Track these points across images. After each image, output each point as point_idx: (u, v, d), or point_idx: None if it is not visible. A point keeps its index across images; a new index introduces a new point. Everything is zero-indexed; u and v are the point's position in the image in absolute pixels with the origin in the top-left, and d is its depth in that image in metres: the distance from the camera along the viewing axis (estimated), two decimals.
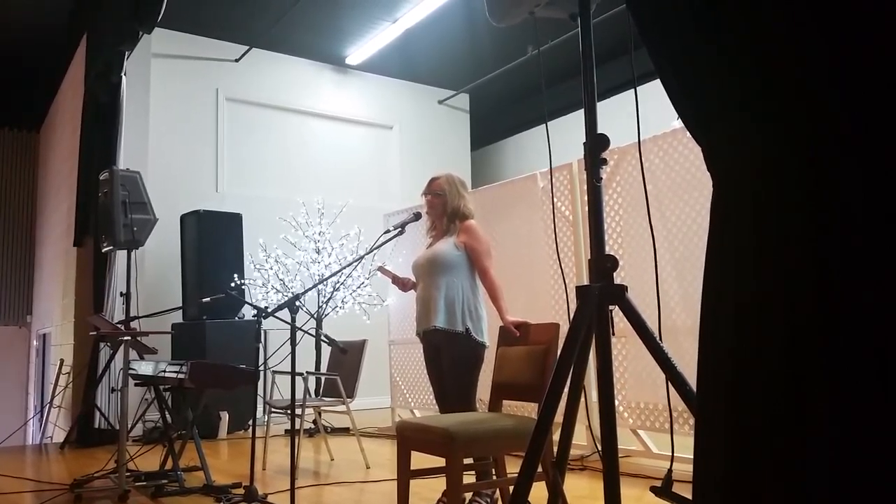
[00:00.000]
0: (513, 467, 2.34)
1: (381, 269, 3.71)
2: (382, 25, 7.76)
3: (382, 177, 9.19)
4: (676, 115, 1.26)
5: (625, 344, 4.26)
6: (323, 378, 5.59)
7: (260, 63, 8.29)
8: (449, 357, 3.27)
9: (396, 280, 3.63)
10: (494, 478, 3.02)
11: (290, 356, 3.22)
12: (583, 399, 1.87)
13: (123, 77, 5.99)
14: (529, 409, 4.46)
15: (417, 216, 3.55)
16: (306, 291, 3.57)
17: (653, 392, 4.12)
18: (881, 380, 0.89)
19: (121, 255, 5.65)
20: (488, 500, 3.16)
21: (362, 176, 8.96)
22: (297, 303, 3.26)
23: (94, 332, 4.64)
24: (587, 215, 1.97)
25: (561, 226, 4.76)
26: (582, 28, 1.90)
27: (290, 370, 3.23)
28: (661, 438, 4.23)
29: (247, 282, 6.75)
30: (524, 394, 2.98)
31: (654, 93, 1.92)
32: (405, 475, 2.78)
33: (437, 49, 8.37)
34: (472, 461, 3.08)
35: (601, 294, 1.81)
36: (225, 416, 6.19)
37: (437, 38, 8.01)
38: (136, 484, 3.87)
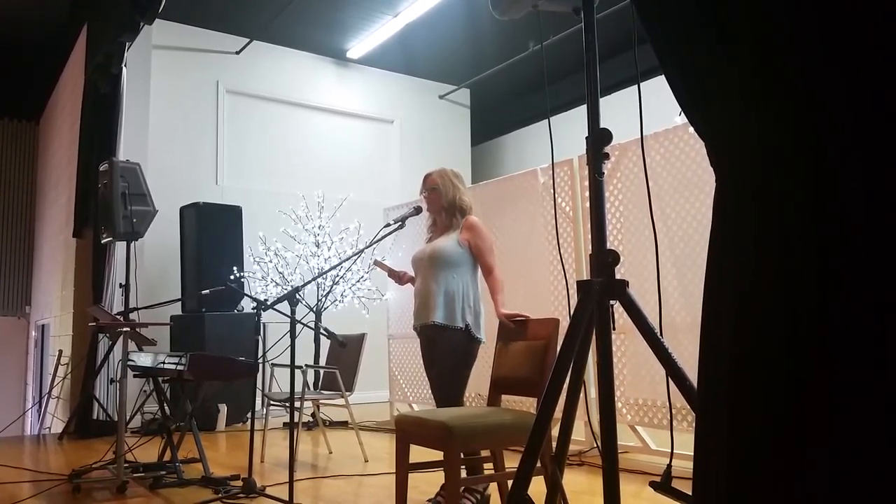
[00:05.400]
0: (511, 462, 2.35)
1: (376, 263, 3.71)
2: (383, 19, 7.74)
3: (382, 171, 9.18)
4: (678, 112, 1.26)
5: (624, 340, 4.26)
6: (322, 371, 5.59)
7: (261, 56, 8.27)
8: (443, 350, 3.24)
9: (393, 273, 3.61)
10: (493, 472, 3.02)
11: (289, 349, 3.22)
12: (582, 395, 1.87)
13: (124, 68, 5.98)
14: (528, 405, 4.47)
15: (418, 210, 3.54)
16: (306, 285, 3.57)
17: (651, 388, 4.12)
18: (881, 377, 0.89)
19: (120, 247, 5.65)
20: (479, 496, 3.12)
21: (362, 170, 8.95)
22: (297, 296, 3.26)
23: (94, 324, 4.64)
24: (587, 211, 1.97)
25: (561, 221, 4.76)
26: (585, 22, 1.90)
27: (289, 363, 3.23)
28: (659, 435, 4.23)
29: (246, 274, 6.75)
30: (523, 389, 2.98)
31: (655, 89, 1.93)
32: (404, 468, 2.78)
33: (438, 44, 8.35)
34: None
35: (602, 289, 1.81)
36: (223, 408, 6.20)
37: (438, 33, 7.99)
38: (135, 475, 3.88)
